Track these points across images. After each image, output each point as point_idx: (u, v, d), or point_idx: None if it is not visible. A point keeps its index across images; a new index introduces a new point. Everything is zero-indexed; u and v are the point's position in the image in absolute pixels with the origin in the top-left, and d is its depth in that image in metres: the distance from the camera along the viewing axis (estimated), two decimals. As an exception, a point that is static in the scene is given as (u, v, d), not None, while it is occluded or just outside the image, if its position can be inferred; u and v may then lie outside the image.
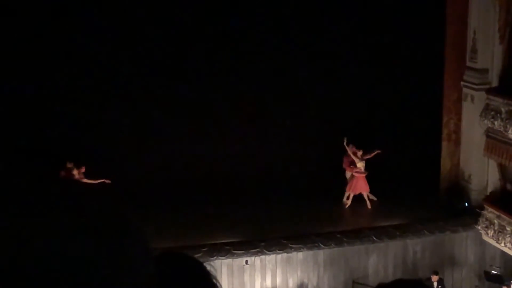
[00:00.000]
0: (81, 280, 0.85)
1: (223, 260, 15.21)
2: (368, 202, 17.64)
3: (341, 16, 18.08)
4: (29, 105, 16.66)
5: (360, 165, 17.48)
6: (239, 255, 15.40)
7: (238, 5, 17.71)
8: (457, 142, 17.66)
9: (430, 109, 18.04)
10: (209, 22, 17.59)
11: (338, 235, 16.08)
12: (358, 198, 17.71)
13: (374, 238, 16.14)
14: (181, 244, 14.74)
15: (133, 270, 0.91)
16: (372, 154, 17.35)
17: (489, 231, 16.08)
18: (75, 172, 16.10)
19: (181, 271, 1.37)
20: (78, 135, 16.94)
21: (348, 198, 17.78)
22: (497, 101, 15.88)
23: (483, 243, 16.56)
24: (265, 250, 15.55)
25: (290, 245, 15.70)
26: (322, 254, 15.90)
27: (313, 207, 17.08)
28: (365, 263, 16.20)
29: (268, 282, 15.76)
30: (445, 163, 17.84)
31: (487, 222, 16.18)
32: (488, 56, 16.50)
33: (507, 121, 15.45)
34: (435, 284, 15.47)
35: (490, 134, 16.36)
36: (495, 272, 16.17)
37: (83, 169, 16.24)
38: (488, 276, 16.22)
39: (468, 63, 16.91)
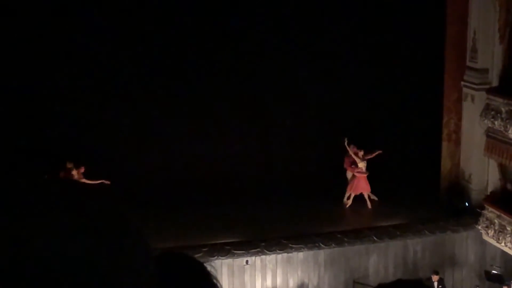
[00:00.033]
0: (81, 280, 0.85)
1: (223, 260, 15.21)
2: (368, 202, 17.64)
3: (341, 16, 18.07)
4: (29, 105, 16.66)
5: (362, 165, 17.49)
6: (239, 255, 15.40)
7: (238, 5, 17.71)
8: (457, 142, 17.65)
9: (430, 109, 18.03)
10: (209, 22, 17.58)
11: (339, 235, 16.08)
12: (359, 198, 17.72)
13: (375, 238, 16.14)
14: (181, 244, 14.74)
15: (133, 270, 0.91)
16: (374, 154, 17.36)
17: (489, 231, 16.08)
18: (74, 172, 16.12)
19: (181, 271, 1.36)
20: (78, 135, 16.94)
21: (349, 198, 17.78)
22: (497, 101, 15.89)
23: (484, 243, 16.57)
24: (265, 250, 15.55)
25: (290, 245, 15.70)
26: (322, 254, 15.90)
27: (313, 207, 17.08)
28: (366, 263, 16.20)
29: (269, 282, 15.75)
30: (446, 163, 17.85)
31: (487, 222, 16.18)
32: (488, 56, 16.50)
33: (507, 121, 15.45)
34: (435, 284, 15.47)
35: (490, 134, 16.36)
36: (496, 272, 16.17)
37: (82, 169, 16.26)
38: (488, 276, 16.23)
39: (468, 63, 16.90)
